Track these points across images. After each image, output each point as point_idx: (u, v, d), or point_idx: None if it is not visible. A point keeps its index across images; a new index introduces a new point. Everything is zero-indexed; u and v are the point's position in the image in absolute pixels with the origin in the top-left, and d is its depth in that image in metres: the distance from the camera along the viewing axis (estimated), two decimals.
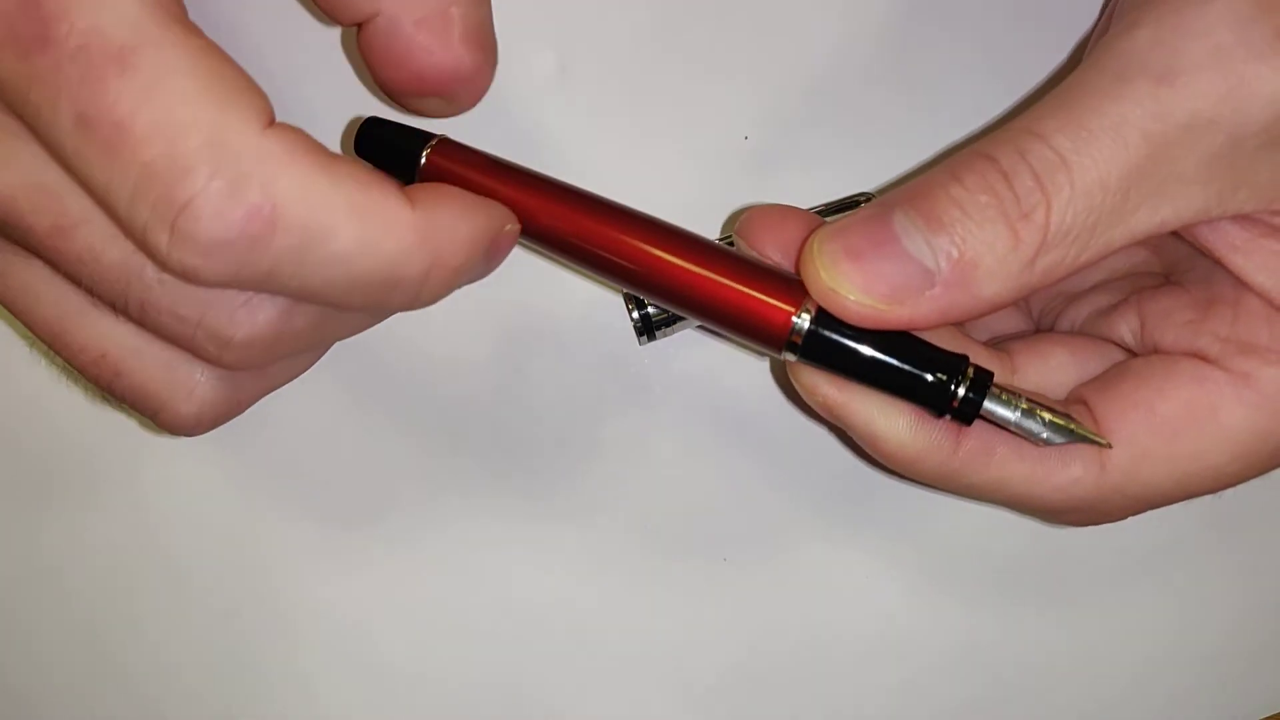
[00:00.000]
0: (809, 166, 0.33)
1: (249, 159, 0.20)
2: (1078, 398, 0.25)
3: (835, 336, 0.24)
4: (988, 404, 0.23)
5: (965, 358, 0.24)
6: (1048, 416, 0.24)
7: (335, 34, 0.32)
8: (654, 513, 0.34)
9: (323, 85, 0.32)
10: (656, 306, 0.31)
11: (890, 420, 0.24)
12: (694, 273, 0.24)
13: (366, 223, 0.21)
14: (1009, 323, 0.30)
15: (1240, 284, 0.24)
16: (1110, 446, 0.24)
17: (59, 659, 0.35)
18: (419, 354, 0.33)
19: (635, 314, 0.31)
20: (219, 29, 0.23)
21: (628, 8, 0.32)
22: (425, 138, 0.26)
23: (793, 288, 0.24)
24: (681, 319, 0.31)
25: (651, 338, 0.31)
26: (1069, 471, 0.24)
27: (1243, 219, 0.23)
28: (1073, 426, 0.24)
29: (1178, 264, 0.27)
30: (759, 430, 0.34)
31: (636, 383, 0.33)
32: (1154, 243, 0.28)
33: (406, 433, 0.34)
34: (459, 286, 0.24)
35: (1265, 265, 0.24)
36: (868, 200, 0.32)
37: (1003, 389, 0.24)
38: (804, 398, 0.25)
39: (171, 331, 0.23)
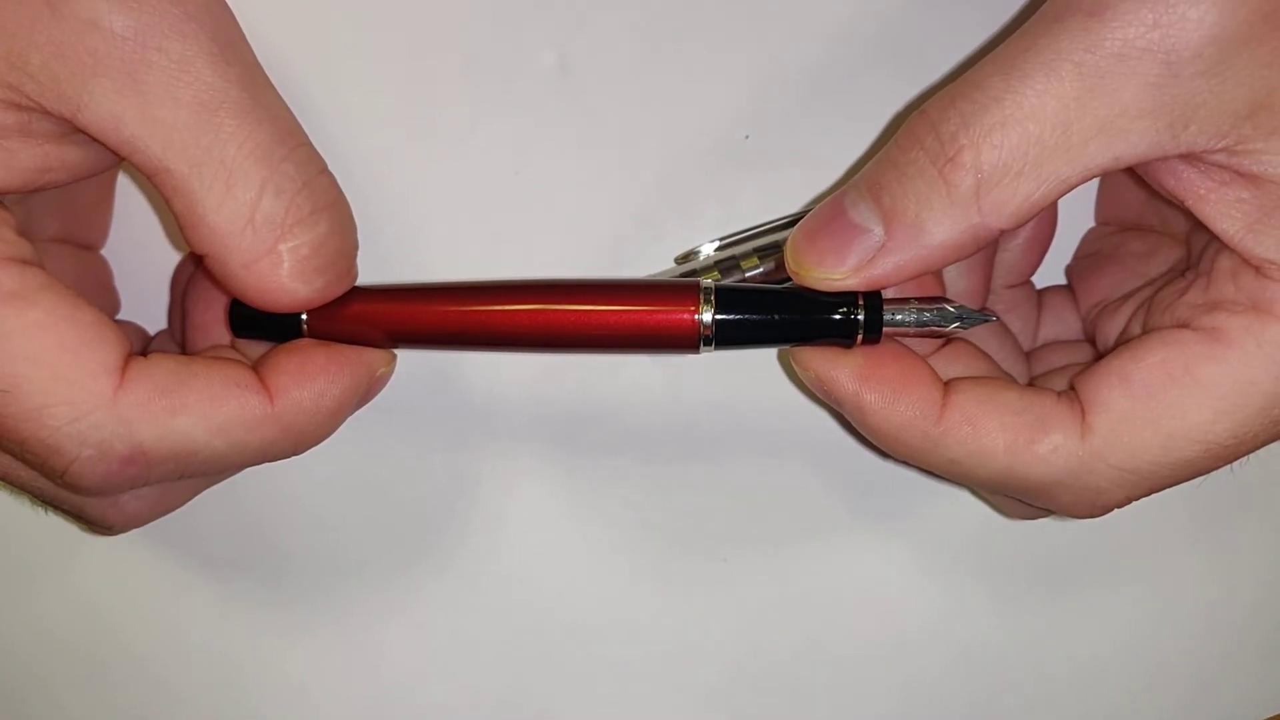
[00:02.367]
0: (809, 166, 0.33)
1: (108, 425, 0.24)
2: (1070, 387, 0.26)
3: (738, 316, 0.26)
4: (888, 317, 0.26)
5: (855, 293, 0.26)
6: (921, 306, 0.26)
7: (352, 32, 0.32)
8: (654, 513, 0.34)
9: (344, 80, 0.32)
10: None
11: (877, 393, 0.26)
12: (600, 314, 0.26)
13: (229, 435, 0.25)
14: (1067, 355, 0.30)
15: (1216, 248, 0.25)
16: (996, 318, 0.28)
17: None
18: (423, 352, 0.33)
19: None
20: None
21: (628, 7, 0.32)
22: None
23: (684, 290, 0.26)
24: None
25: None
26: (1049, 439, 0.25)
27: (1207, 166, 0.24)
28: (949, 307, 0.26)
29: (1199, 257, 0.27)
30: (759, 430, 0.34)
31: (636, 383, 0.33)
32: (1182, 236, 0.29)
33: (402, 427, 0.34)
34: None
35: (1229, 212, 0.24)
36: None
37: (892, 301, 0.26)
38: (802, 379, 0.27)
39: (78, 510, 0.27)
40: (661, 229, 0.33)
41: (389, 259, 0.32)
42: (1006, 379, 0.28)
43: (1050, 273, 0.33)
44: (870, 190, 0.25)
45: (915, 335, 0.27)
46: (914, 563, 0.35)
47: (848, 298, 0.26)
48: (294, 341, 0.27)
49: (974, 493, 0.33)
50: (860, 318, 0.26)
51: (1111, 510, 0.26)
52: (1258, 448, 0.24)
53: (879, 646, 0.35)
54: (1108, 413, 0.24)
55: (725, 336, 0.26)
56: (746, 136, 0.33)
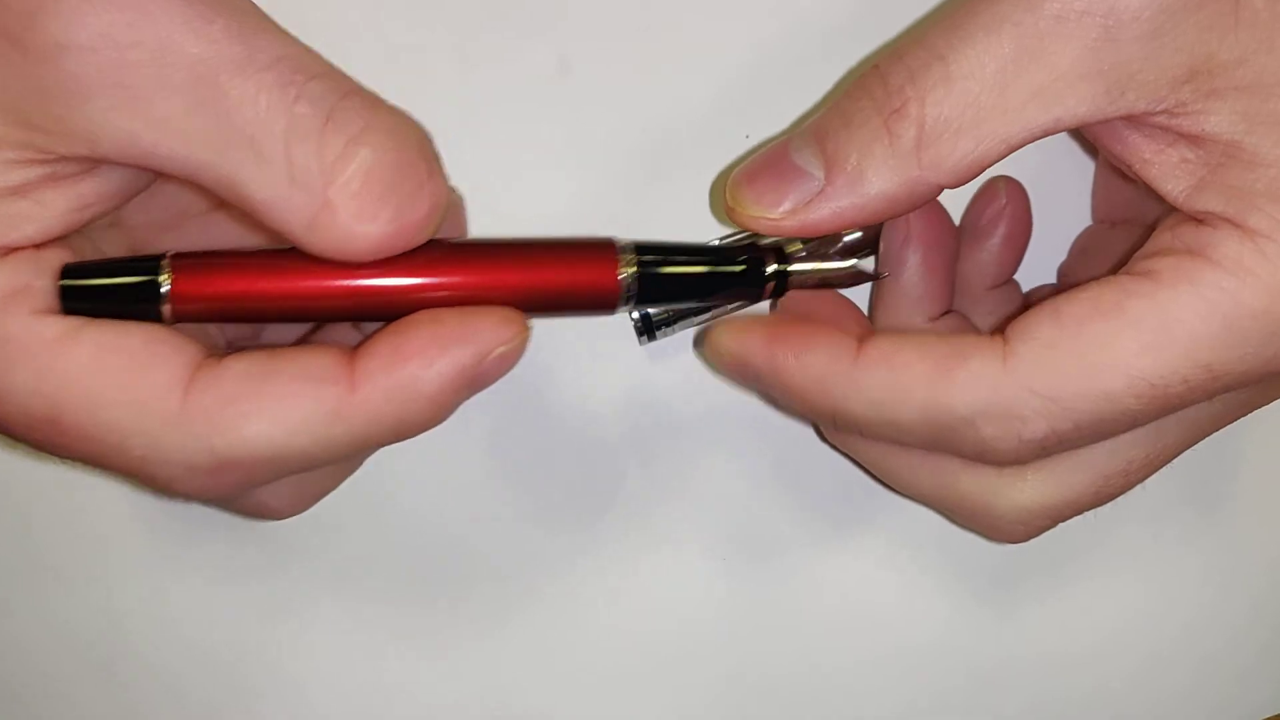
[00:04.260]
0: None
1: (184, 442, 0.23)
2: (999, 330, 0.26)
3: (660, 270, 0.26)
4: (793, 267, 0.27)
5: (754, 244, 0.27)
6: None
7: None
8: (654, 513, 0.34)
9: None
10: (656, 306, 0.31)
11: (788, 348, 0.26)
12: (519, 276, 0.25)
13: (312, 432, 0.23)
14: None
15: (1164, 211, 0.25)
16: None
17: None
18: None
19: (635, 314, 0.31)
20: None
21: (628, 6, 0.32)
22: (147, 263, 0.24)
23: (602, 250, 0.26)
24: (682, 319, 0.31)
25: (652, 337, 0.31)
26: (969, 365, 0.24)
27: (1150, 129, 0.24)
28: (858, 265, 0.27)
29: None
30: (759, 430, 0.34)
31: (636, 382, 0.33)
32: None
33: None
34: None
35: (1173, 173, 0.24)
36: None
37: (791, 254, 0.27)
38: (715, 366, 0.28)
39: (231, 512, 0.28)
40: (661, 229, 0.32)
41: None
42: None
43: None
44: (816, 136, 0.25)
45: (823, 288, 0.28)
46: (914, 564, 0.35)
47: (762, 254, 0.27)
48: (413, 316, 0.24)
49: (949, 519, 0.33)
50: (769, 269, 0.27)
51: (1036, 450, 0.25)
52: (1191, 398, 0.24)
53: (878, 648, 0.35)
54: (1033, 340, 0.24)
55: (646, 292, 0.26)
56: (746, 136, 0.33)
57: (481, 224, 0.32)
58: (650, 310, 0.31)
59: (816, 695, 0.35)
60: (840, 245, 0.30)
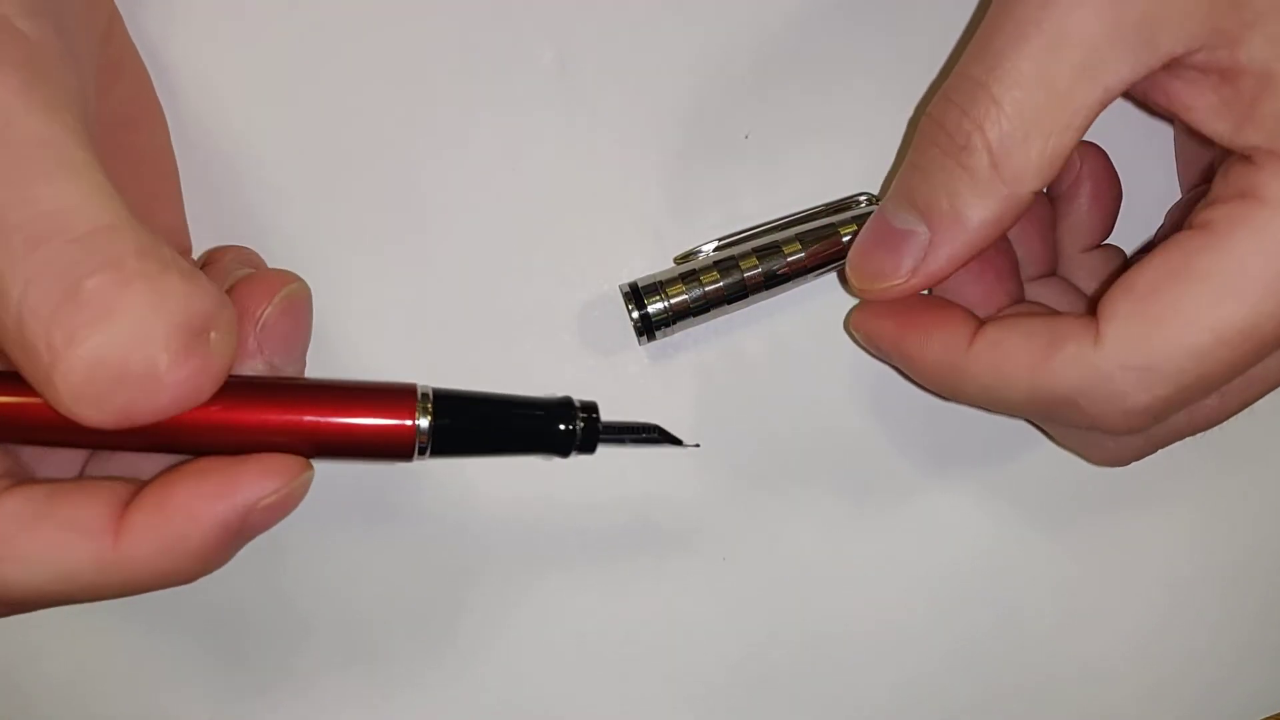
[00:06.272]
0: (809, 166, 0.33)
1: None
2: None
3: (458, 423, 0.25)
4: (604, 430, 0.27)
5: (569, 400, 0.27)
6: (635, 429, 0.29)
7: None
8: (654, 512, 0.34)
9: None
10: (656, 306, 0.31)
11: (913, 336, 0.28)
12: (313, 419, 0.24)
13: (70, 582, 0.23)
14: None
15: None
16: (698, 446, 0.30)
17: None
18: (412, 352, 0.33)
19: (635, 314, 0.31)
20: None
21: (628, 6, 0.32)
22: None
23: (400, 397, 0.25)
24: (681, 319, 0.31)
25: (651, 337, 0.31)
26: (1064, 350, 0.25)
27: (1190, 74, 0.24)
28: (656, 431, 0.29)
29: None
30: (759, 430, 0.34)
31: (636, 382, 0.33)
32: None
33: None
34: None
35: (1219, 113, 0.24)
36: (870, 200, 0.32)
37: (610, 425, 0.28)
38: (856, 340, 0.31)
39: None
40: (661, 229, 0.33)
41: (386, 257, 0.32)
42: (1036, 310, 0.30)
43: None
44: (905, 197, 0.27)
45: (632, 445, 0.28)
46: (917, 564, 0.35)
47: (569, 410, 0.27)
48: (183, 466, 0.23)
49: (1052, 438, 0.33)
50: (578, 428, 0.27)
51: (1147, 417, 0.25)
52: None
53: (881, 648, 0.35)
54: (1115, 318, 0.25)
55: (442, 444, 0.25)
56: (746, 136, 0.33)
57: (482, 224, 0.33)
58: (650, 309, 0.31)
59: (817, 694, 0.35)
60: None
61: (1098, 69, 0.24)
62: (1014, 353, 0.26)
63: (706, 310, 0.31)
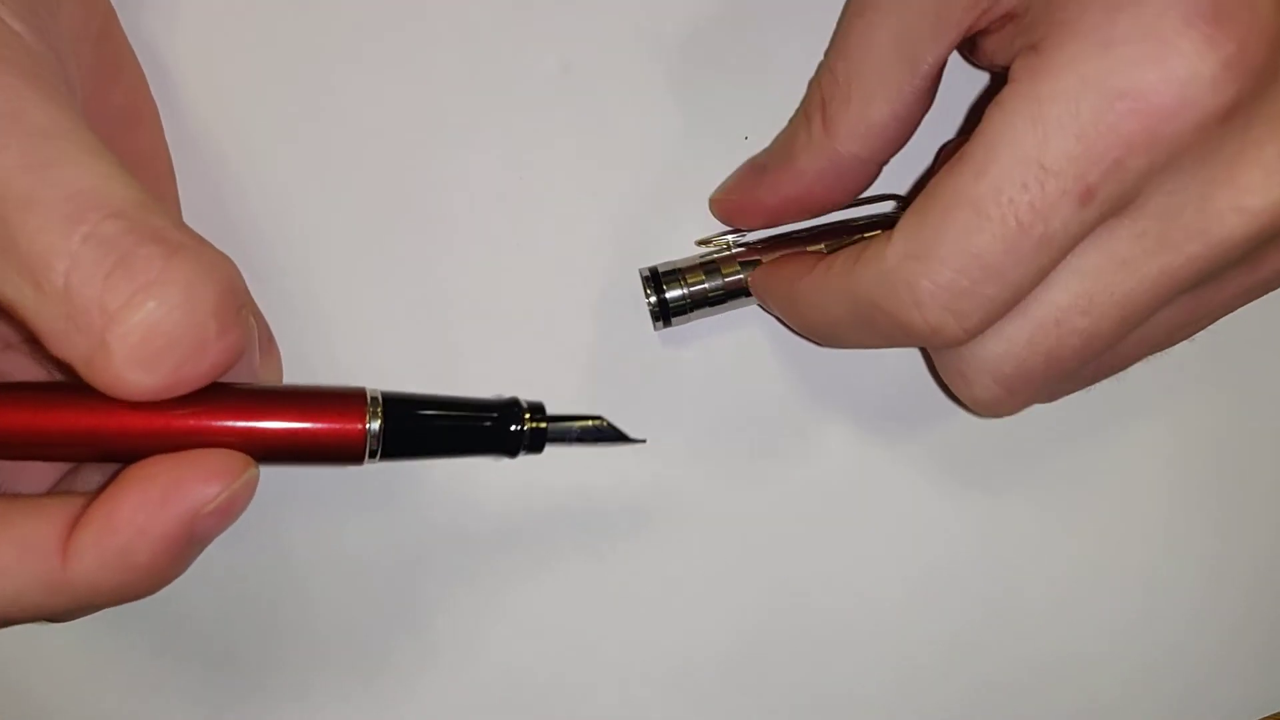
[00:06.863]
0: None
1: None
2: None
3: (407, 425, 0.26)
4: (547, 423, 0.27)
5: (515, 401, 0.27)
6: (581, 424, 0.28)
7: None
8: (654, 512, 0.33)
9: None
10: (675, 291, 0.31)
11: (775, 280, 0.30)
12: (257, 421, 0.24)
13: (18, 604, 0.23)
14: None
15: None
16: (644, 441, 0.29)
17: None
18: (422, 350, 0.33)
19: (652, 299, 0.31)
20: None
21: (629, 8, 0.33)
22: None
23: (350, 401, 0.25)
24: (698, 307, 0.31)
25: (668, 324, 0.31)
26: (866, 255, 0.26)
27: (990, 35, 0.27)
28: (604, 425, 0.28)
29: None
30: (764, 424, 0.34)
31: (647, 371, 0.33)
32: None
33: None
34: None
35: (1016, 54, 0.25)
36: (898, 203, 0.33)
37: (556, 418, 0.27)
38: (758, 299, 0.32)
39: None
40: (661, 229, 0.33)
41: (391, 259, 0.32)
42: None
43: None
44: (774, 143, 0.32)
45: (578, 445, 0.28)
46: (913, 561, 0.34)
47: (516, 411, 0.27)
48: (126, 473, 0.23)
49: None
50: (525, 429, 0.27)
51: (941, 312, 0.25)
52: (1058, 207, 0.24)
53: (879, 645, 0.34)
54: (902, 221, 0.25)
55: (392, 445, 0.25)
56: (746, 137, 0.33)
57: (483, 224, 0.32)
58: (667, 295, 0.31)
59: (817, 693, 0.34)
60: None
61: (906, 46, 0.27)
62: (834, 270, 0.28)
63: (724, 300, 0.31)
